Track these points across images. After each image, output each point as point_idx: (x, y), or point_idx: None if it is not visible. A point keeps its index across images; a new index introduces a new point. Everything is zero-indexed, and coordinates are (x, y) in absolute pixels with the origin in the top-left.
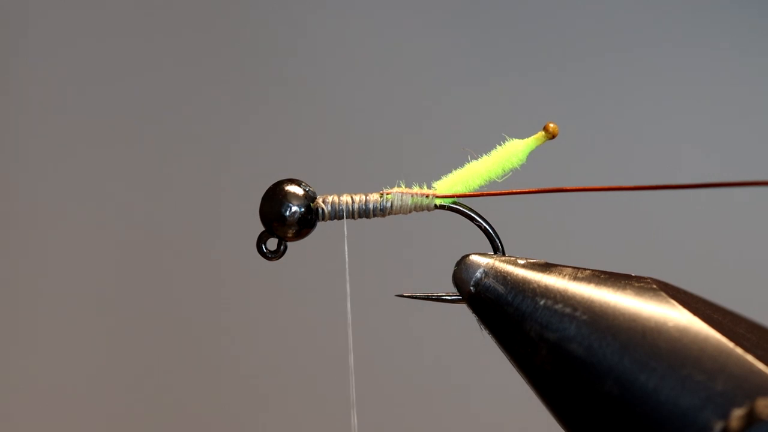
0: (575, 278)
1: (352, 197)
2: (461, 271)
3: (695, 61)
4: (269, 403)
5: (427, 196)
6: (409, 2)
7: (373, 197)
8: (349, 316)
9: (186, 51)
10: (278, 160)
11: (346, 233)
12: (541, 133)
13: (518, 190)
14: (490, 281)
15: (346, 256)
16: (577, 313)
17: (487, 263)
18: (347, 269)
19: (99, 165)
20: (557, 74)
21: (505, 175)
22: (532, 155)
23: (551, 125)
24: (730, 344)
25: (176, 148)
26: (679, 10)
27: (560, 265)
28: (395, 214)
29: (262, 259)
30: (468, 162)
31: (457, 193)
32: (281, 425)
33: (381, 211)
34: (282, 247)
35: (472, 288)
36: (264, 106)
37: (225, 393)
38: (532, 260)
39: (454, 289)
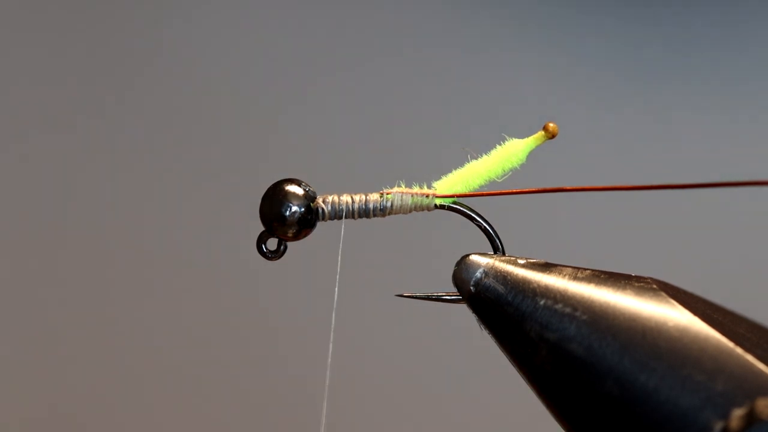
0: (575, 278)
1: (352, 197)
2: (461, 271)
3: (695, 60)
4: (267, 403)
5: (427, 196)
6: (409, 1)
7: (373, 197)
8: (334, 316)
9: (185, 50)
10: (278, 160)
11: (342, 234)
12: (540, 133)
13: (518, 190)
14: (490, 281)
15: (339, 257)
16: (577, 313)
17: (487, 263)
18: (338, 269)
19: (97, 165)
20: (557, 74)
21: (505, 175)
22: (532, 155)
23: (551, 125)
24: (731, 344)
25: (176, 148)
26: (679, 6)
27: (560, 265)
28: (395, 214)
29: (262, 259)
30: (468, 162)
31: (457, 193)
32: (279, 426)
33: (381, 211)
34: (282, 247)
35: (472, 288)
36: (264, 105)
37: (223, 393)
38: (532, 260)
39: (454, 289)
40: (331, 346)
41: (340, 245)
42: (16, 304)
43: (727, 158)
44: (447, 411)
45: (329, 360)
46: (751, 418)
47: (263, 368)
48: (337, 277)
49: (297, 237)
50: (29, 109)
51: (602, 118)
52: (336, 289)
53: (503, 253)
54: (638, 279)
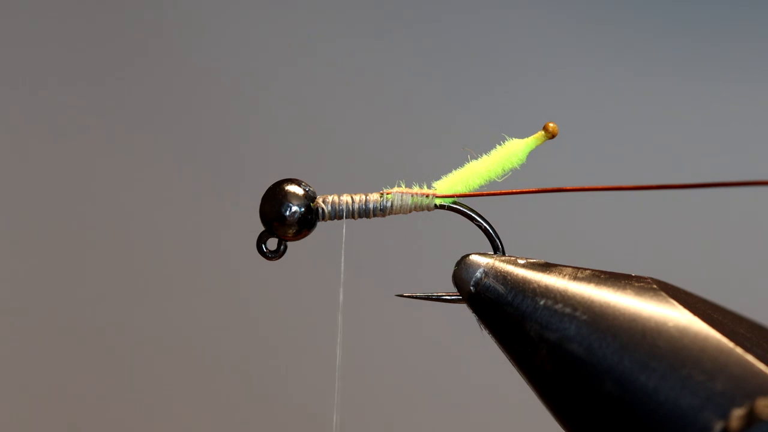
0: (575, 278)
1: (352, 197)
2: (461, 270)
3: (695, 60)
4: (267, 403)
5: (427, 196)
6: (407, 2)
7: (373, 197)
8: (340, 317)
9: (188, 50)
10: (278, 160)
11: (344, 234)
12: (540, 133)
13: (518, 190)
14: (490, 281)
15: (342, 256)
16: (577, 313)
17: (487, 263)
18: (342, 270)
19: (98, 167)
20: (557, 74)
21: (505, 175)
22: (532, 155)
23: (551, 125)
24: (731, 344)
25: (176, 148)
26: (684, 8)
27: (560, 265)
28: (395, 214)
29: (262, 258)
30: (468, 162)
31: (457, 193)
32: (280, 426)
33: (381, 211)
34: (282, 247)
35: (472, 288)
36: (265, 105)
37: (224, 394)
38: (532, 260)
39: (454, 289)
40: (339, 350)
41: (343, 246)
42: (16, 305)
43: (728, 159)
44: (446, 411)
45: (338, 361)
46: (751, 418)
47: (262, 368)
48: (342, 277)
49: (297, 237)
50: (28, 109)
51: (602, 117)
52: (341, 289)
53: (503, 253)
54: (638, 279)
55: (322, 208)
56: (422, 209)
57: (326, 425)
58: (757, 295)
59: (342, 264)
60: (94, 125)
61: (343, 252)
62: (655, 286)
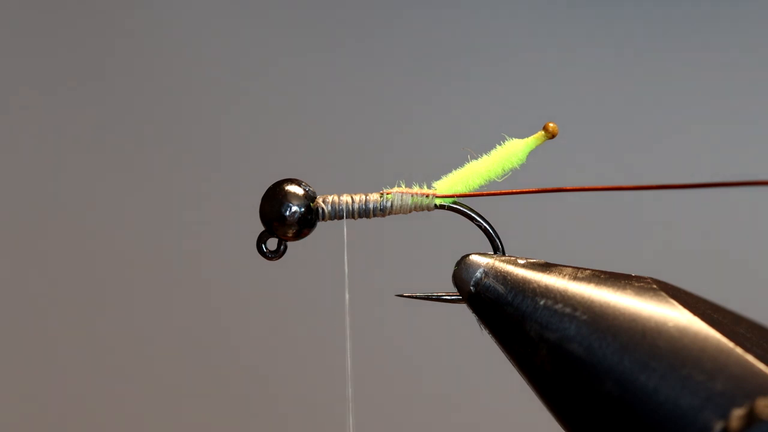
0: (575, 278)
1: (352, 197)
2: (461, 271)
3: (695, 60)
4: (268, 404)
5: (427, 196)
6: (407, 1)
7: (373, 197)
8: (347, 317)
9: (188, 49)
10: (278, 160)
11: (345, 234)
12: (540, 133)
13: (518, 190)
14: (490, 281)
15: (345, 256)
16: (577, 313)
17: (487, 263)
18: (346, 270)
19: (97, 167)
20: (558, 73)
21: (505, 175)
22: (532, 155)
23: (551, 125)
24: (730, 344)
25: (177, 148)
26: (684, 6)
27: (560, 265)
28: (395, 214)
29: (262, 259)
30: (468, 162)
31: (457, 193)
32: (280, 427)
33: (381, 211)
34: (282, 247)
35: (472, 288)
36: (265, 105)
37: (224, 394)
38: (532, 260)
39: (454, 289)
40: (348, 350)
41: (345, 246)
42: (17, 305)
43: (728, 159)
44: (446, 411)
45: (348, 363)
46: (751, 418)
47: (262, 368)
48: (346, 279)
49: (297, 237)
50: (29, 110)
51: (603, 118)
52: (346, 291)
53: (503, 253)
54: (638, 279)
55: (322, 208)
56: (422, 209)
57: (326, 424)
58: (757, 295)
59: (345, 265)
60: (94, 126)
61: (345, 252)
62: (655, 286)
